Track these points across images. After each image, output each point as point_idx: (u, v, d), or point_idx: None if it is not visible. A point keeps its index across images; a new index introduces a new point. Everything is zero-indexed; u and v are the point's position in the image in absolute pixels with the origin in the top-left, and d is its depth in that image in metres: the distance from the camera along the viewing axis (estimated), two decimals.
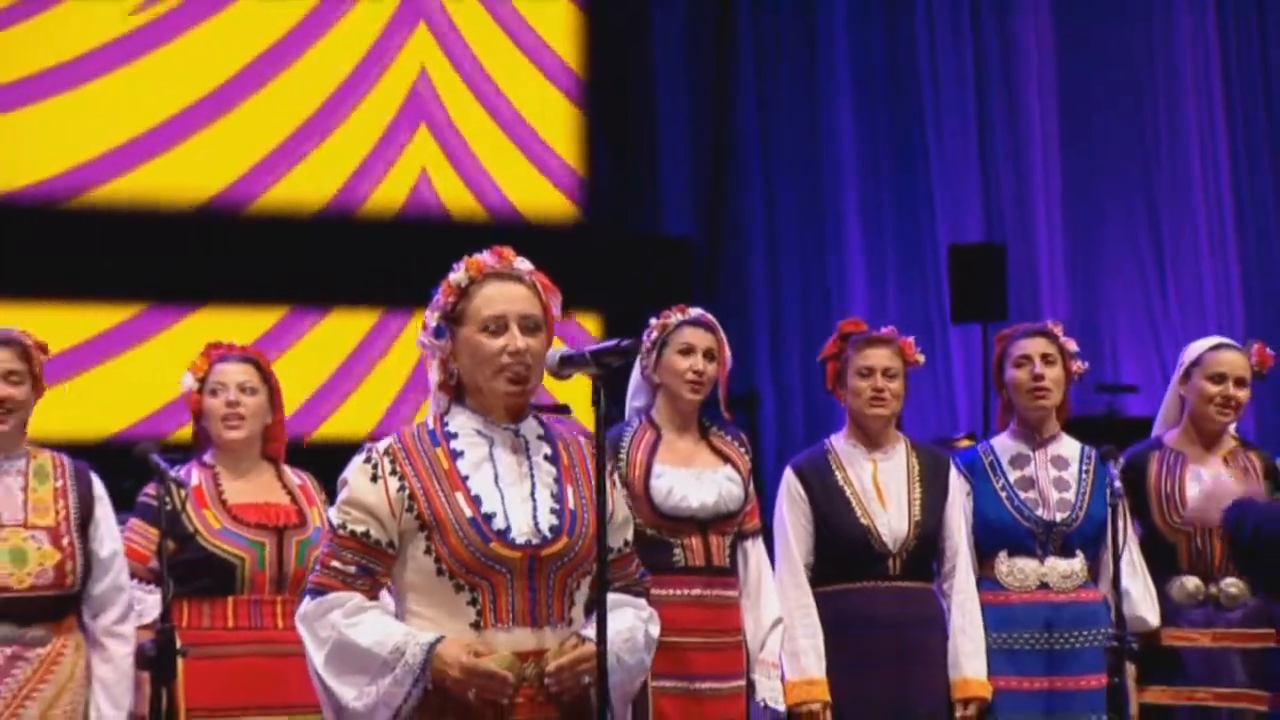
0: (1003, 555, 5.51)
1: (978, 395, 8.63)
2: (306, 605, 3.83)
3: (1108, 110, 9.75)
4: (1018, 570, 5.51)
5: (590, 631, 3.78)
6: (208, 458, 5.34)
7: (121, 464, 5.23)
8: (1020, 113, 9.69)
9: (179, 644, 4.67)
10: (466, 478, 3.83)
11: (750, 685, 5.38)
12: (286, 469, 5.41)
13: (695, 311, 5.46)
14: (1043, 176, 9.51)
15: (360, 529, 3.80)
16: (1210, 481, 5.75)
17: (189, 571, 5.08)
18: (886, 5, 9.78)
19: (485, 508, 3.79)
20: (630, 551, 4.07)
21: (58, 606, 4.96)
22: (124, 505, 5.23)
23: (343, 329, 9.51)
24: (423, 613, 3.81)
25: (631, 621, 3.91)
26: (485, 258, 3.91)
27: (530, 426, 3.95)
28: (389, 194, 9.54)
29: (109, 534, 5.04)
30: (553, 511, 3.84)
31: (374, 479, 3.81)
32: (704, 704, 5.27)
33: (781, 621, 5.39)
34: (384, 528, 3.81)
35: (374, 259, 9.30)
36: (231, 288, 9.21)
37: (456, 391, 3.93)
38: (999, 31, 9.72)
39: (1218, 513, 4.96)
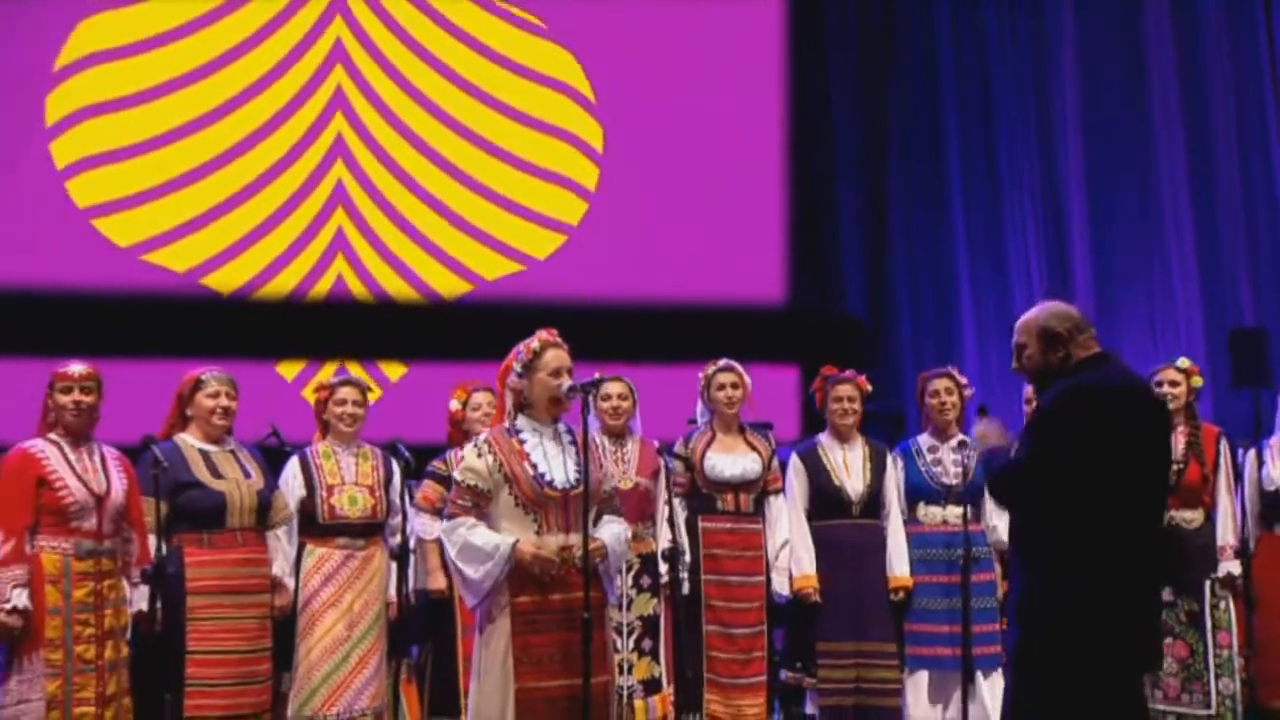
0: (921, 504, 7.27)
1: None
2: (445, 525, 5.07)
3: (1128, 216, 10.62)
4: (930, 513, 7.27)
5: (599, 534, 5.17)
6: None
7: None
8: (1063, 220, 10.57)
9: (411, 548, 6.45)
10: (529, 454, 5.11)
11: (768, 581, 7.14)
12: None
13: (722, 361, 7.25)
14: (1080, 266, 10.49)
15: (473, 483, 5.06)
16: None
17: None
18: (983, 127, 10.72)
19: (540, 469, 5.08)
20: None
21: (371, 529, 6.60)
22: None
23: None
24: (508, 527, 5.04)
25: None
26: (545, 335, 5.19)
27: (561, 427, 5.22)
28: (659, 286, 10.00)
29: (397, 491, 6.66)
30: (576, 472, 5.11)
31: (479, 455, 5.09)
32: (732, 590, 7.07)
33: (788, 543, 7.14)
34: (485, 481, 5.05)
35: (641, 338, 9.70)
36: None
37: (521, 407, 5.22)
38: (1045, 153, 10.60)
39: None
